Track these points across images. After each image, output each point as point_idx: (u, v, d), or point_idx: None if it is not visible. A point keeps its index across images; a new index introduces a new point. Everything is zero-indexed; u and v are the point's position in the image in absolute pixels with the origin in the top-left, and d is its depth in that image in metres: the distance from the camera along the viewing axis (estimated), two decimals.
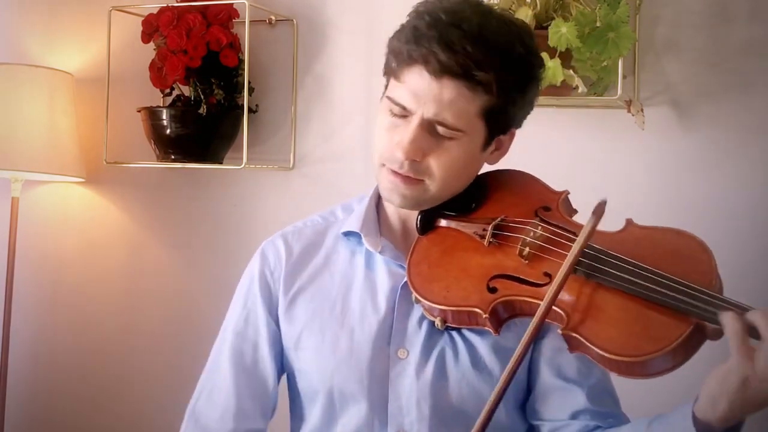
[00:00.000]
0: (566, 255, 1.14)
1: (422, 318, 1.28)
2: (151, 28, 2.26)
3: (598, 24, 1.82)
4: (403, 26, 1.26)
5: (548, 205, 1.29)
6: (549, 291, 1.13)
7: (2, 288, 2.42)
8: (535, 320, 1.12)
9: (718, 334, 1.06)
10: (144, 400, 2.44)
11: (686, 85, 1.99)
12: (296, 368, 1.36)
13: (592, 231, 1.15)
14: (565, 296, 1.14)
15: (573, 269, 1.14)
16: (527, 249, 1.21)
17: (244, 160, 2.20)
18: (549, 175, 2.06)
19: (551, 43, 1.80)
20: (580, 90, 1.86)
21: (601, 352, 1.09)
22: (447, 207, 1.31)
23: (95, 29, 2.46)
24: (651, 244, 1.18)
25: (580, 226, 1.18)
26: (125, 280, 2.48)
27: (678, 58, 1.99)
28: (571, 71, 1.83)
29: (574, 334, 1.11)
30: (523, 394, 1.31)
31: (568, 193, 1.32)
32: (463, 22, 1.20)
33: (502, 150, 1.34)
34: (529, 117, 1.32)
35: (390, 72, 1.27)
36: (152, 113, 2.31)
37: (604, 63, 1.86)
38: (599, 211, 1.16)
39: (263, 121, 2.33)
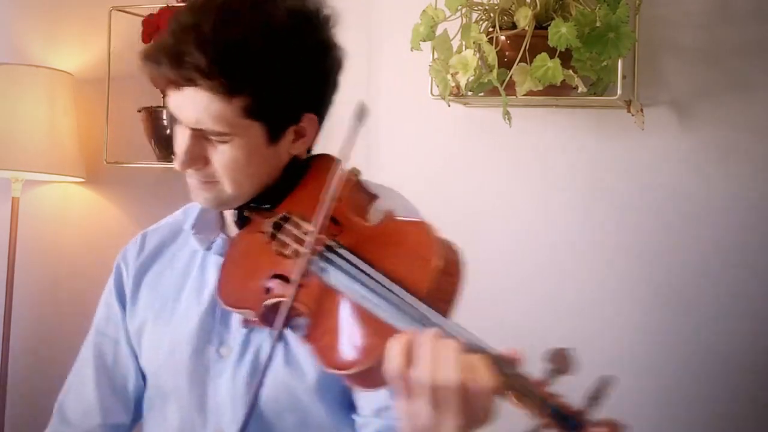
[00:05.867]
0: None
1: None
2: (151, 28, 2.26)
3: (597, 24, 1.82)
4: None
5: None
6: (290, 290, 1.04)
7: (2, 288, 2.43)
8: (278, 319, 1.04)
9: None
10: None
11: (686, 85, 1.98)
12: (141, 366, 1.37)
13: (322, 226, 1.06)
14: (307, 299, 1.05)
15: (306, 268, 1.05)
16: (291, 248, 1.12)
17: None
18: (549, 174, 2.05)
19: (551, 43, 1.79)
20: (579, 90, 1.86)
21: (321, 363, 1.01)
22: (257, 200, 1.23)
23: (95, 29, 2.46)
24: (396, 239, 1.07)
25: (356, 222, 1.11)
26: None
27: (678, 58, 1.99)
28: (571, 71, 1.82)
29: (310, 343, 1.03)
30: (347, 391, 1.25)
31: (356, 182, 1.19)
32: (202, 22, 1.14)
33: (306, 138, 1.27)
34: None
35: None
36: (152, 113, 2.30)
37: (604, 63, 1.85)
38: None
39: None
